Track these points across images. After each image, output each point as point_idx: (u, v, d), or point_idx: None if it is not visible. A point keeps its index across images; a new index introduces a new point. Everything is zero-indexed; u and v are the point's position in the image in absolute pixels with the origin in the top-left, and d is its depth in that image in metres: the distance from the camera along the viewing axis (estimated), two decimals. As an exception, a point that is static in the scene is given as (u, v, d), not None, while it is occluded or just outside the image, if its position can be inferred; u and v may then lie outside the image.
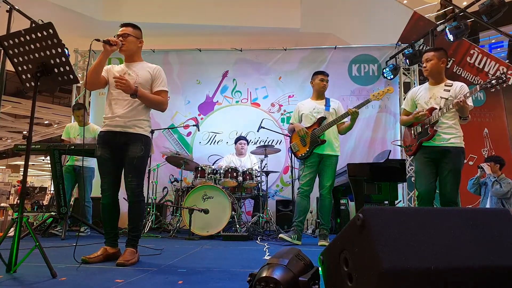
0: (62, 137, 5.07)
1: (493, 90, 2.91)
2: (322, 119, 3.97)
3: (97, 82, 2.67)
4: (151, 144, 2.83)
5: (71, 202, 5.34)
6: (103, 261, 2.56)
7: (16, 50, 2.28)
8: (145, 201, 3.04)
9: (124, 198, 2.72)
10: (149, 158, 2.83)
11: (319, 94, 4.15)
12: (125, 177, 2.65)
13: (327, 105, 4.07)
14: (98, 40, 2.50)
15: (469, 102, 2.99)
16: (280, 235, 3.85)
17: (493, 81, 2.86)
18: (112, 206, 2.68)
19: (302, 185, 3.94)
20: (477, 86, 2.90)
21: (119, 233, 2.76)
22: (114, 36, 2.67)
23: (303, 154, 3.97)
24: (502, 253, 1.22)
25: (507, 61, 6.84)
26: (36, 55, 2.27)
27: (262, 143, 6.23)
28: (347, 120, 3.98)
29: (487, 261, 1.19)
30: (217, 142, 6.47)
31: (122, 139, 2.64)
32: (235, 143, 5.72)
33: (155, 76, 2.77)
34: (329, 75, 4.19)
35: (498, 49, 10.77)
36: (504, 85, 2.88)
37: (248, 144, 5.78)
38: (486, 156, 5.78)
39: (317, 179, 4.03)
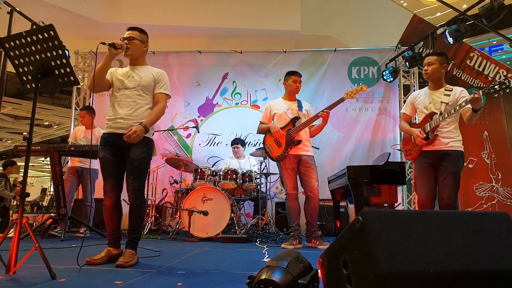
0: (69, 140, 5.11)
1: (496, 95, 2.89)
2: (296, 119, 3.96)
3: (102, 84, 2.70)
4: (153, 146, 2.83)
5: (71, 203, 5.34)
6: (107, 262, 2.56)
7: (17, 52, 2.29)
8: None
9: (123, 199, 2.72)
10: (150, 160, 2.83)
11: (291, 94, 4.13)
12: (126, 179, 2.66)
13: (300, 106, 4.07)
14: (104, 43, 2.52)
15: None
16: (283, 245, 3.81)
17: (496, 87, 2.83)
18: (115, 208, 2.68)
19: (290, 190, 3.90)
20: (480, 91, 2.86)
21: (121, 234, 2.77)
22: (120, 39, 2.69)
23: (278, 156, 3.93)
24: (502, 257, 1.22)
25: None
26: (37, 56, 2.28)
27: (261, 145, 6.20)
28: (317, 123, 4.00)
29: (487, 265, 1.20)
30: (217, 144, 6.47)
31: (125, 141, 2.64)
32: (231, 146, 5.73)
33: (158, 79, 2.79)
34: (301, 75, 4.18)
35: (499, 51, 10.79)
36: (507, 90, 2.85)
37: (244, 146, 5.77)
38: (486, 159, 5.77)
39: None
